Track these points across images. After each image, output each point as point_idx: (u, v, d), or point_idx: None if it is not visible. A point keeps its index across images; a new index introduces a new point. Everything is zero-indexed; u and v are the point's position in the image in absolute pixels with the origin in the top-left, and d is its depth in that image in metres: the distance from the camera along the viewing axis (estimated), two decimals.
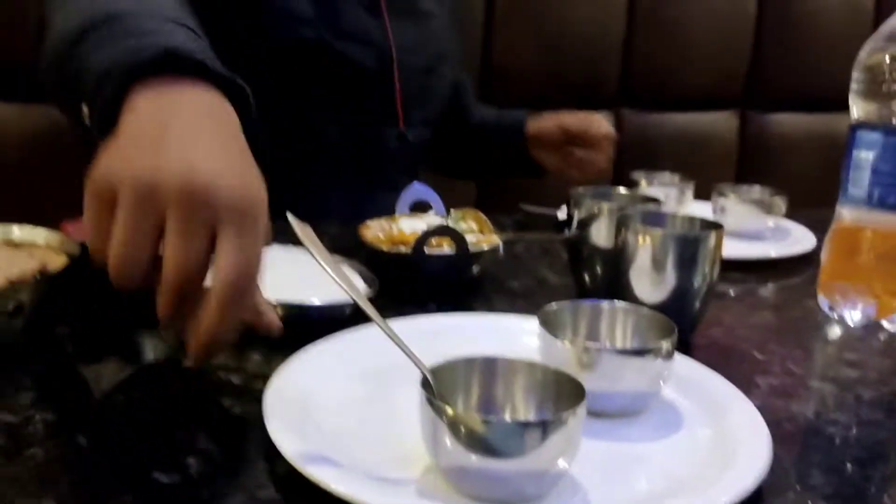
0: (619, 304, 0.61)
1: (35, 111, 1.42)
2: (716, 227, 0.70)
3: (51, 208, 0.85)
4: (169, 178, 0.46)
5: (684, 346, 0.66)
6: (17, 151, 1.42)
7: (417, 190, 0.98)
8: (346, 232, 0.92)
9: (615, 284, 0.71)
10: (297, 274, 0.76)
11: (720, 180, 1.86)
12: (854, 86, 0.74)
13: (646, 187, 1.13)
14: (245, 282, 0.48)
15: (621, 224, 0.70)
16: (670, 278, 0.68)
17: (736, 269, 0.90)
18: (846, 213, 0.76)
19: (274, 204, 0.52)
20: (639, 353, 0.55)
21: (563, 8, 1.72)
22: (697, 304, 0.69)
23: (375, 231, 0.85)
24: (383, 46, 1.14)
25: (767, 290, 0.89)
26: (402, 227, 0.85)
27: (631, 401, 0.55)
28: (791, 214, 1.10)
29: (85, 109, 0.58)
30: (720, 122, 1.90)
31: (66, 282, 0.66)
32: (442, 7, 1.27)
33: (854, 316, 0.76)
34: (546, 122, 1.29)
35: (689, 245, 0.68)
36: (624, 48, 1.78)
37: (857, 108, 0.74)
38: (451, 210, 0.92)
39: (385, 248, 0.82)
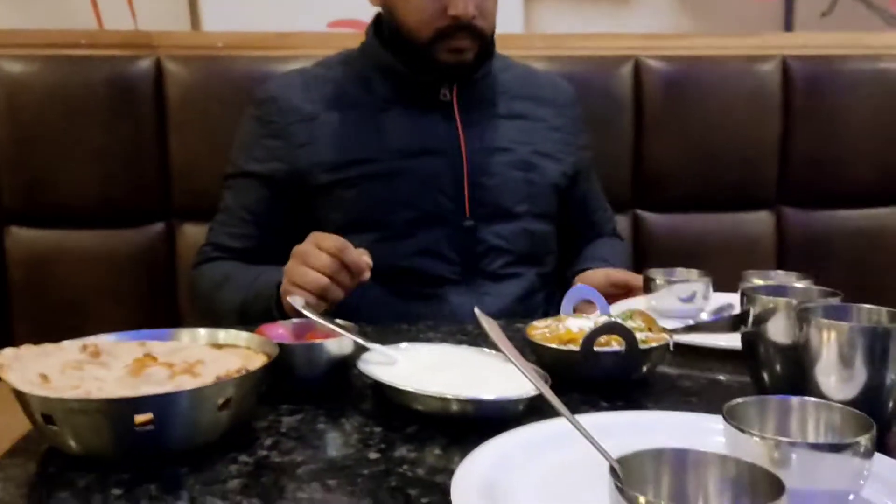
0: (809, 400, 0.59)
1: None
2: None
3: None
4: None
5: (882, 447, 0.62)
6: None
7: (581, 290, 0.99)
8: (509, 334, 0.95)
9: (798, 382, 0.68)
10: (471, 371, 0.79)
11: None
12: None
13: (666, 284, 1.07)
14: None
15: (803, 319, 0.68)
16: (860, 374, 0.65)
17: None
18: None
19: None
20: (836, 448, 0.52)
21: (714, 110, 1.72)
22: (892, 401, 0.65)
23: (542, 331, 0.87)
24: (457, 150, 1.24)
25: None
26: (569, 326, 0.86)
27: (831, 499, 0.52)
28: None
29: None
30: (891, 217, 1.80)
31: (264, 379, 0.71)
32: (558, 115, 1.35)
33: None
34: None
35: (880, 338, 0.65)
36: (780, 147, 1.75)
37: None
38: (620, 309, 0.92)
39: (554, 345, 0.83)
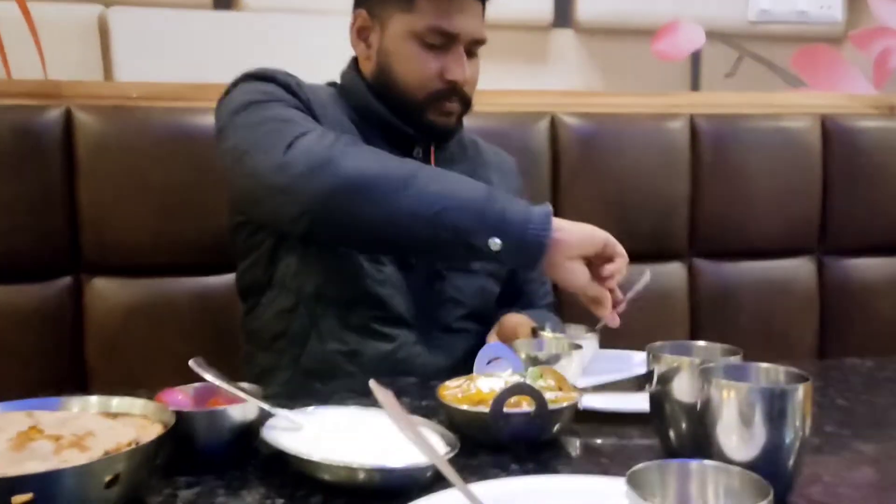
0: (709, 463, 0.59)
1: (134, 284, 1.52)
2: (803, 378, 0.68)
3: (150, 377, 0.89)
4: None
5: None
6: (118, 321, 1.50)
7: (494, 348, 0.99)
8: (426, 392, 0.94)
9: (702, 442, 0.69)
10: (379, 436, 0.77)
11: (805, 326, 1.86)
12: None
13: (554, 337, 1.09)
14: None
15: (704, 378, 0.69)
16: (760, 434, 0.66)
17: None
18: None
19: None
20: None
21: (627, 166, 1.76)
22: (791, 461, 0.67)
23: (453, 391, 0.86)
24: None
25: (864, 442, 0.85)
26: (479, 387, 0.85)
27: None
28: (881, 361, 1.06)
29: (495, 240, 0.99)
30: (796, 269, 1.87)
31: (159, 451, 0.68)
32: (504, 182, 1.36)
33: None
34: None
35: (778, 398, 0.66)
36: (690, 201, 1.80)
37: None
38: (530, 368, 0.92)
39: (464, 407, 0.82)
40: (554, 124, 1.73)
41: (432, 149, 1.28)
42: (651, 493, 0.57)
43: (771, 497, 0.53)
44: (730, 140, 1.81)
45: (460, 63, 1.19)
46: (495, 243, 0.98)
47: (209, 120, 1.36)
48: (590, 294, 1.03)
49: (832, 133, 1.85)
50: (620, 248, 1.04)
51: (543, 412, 0.79)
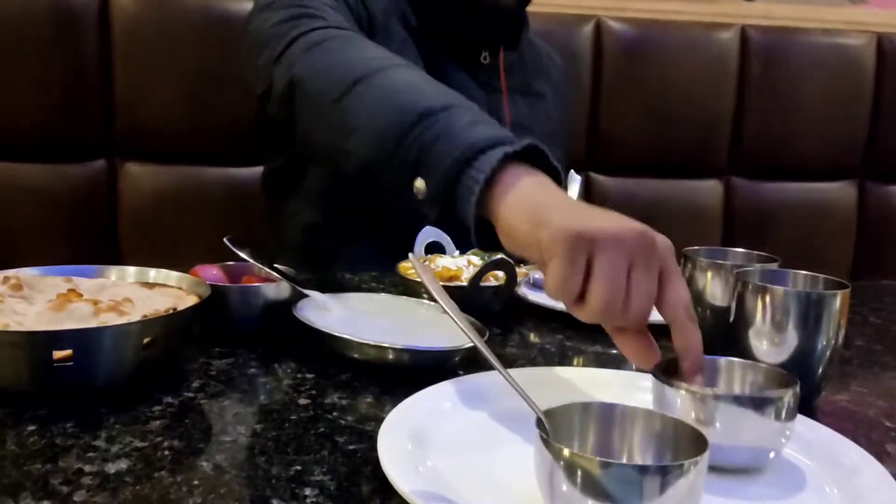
0: (737, 360, 0.59)
1: (166, 171, 1.53)
2: (842, 286, 0.67)
3: (180, 261, 0.89)
4: (629, 232, 0.56)
5: (809, 412, 0.63)
6: (150, 206, 1.52)
7: (430, 232, 1.00)
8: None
9: (733, 345, 0.69)
10: (408, 321, 0.78)
11: (840, 251, 1.83)
12: None
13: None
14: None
15: (740, 282, 0.68)
16: (792, 338, 0.65)
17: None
18: None
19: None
20: (760, 402, 0.53)
21: (671, 76, 1.71)
22: (822, 367, 0.66)
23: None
24: (500, 122, 1.17)
25: (894, 358, 0.85)
26: (445, 265, 0.89)
27: (753, 456, 0.53)
28: None
29: (419, 183, 0.68)
30: (837, 193, 1.84)
31: (194, 321, 0.69)
32: (555, 93, 1.30)
33: None
34: None
35: (814, 304, 0.65)
36: (734, 117, 1.76)
37: None
38: (473, 249, 0.95)
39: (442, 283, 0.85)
40: (599, 28, 1.68)
41: (501, 54, 1.18)
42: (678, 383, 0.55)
43: (797, 389, 0.53)
44: (781, 55, 1.74)
45: None
46: (420, 188, 0.69)
47: (245, 6, 1.34)
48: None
49: (888, 53, 1.78)
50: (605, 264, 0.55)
51: (513, 283, 0.86)
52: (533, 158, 0.66)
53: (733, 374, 0.59)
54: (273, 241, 1.29)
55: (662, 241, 0.57)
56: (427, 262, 0.90)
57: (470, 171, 0.65)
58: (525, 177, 0.64)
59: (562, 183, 0.66)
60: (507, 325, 0.87)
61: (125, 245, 1.53)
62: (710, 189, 1.79)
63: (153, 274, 0.74)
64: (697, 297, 0.76)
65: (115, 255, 1.51)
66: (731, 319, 0.69)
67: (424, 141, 0.69)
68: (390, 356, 0.69)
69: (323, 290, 0.80)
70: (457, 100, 0.74)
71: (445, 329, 0.69)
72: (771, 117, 1.76)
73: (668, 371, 0.56)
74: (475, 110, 0.73)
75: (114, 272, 0.75)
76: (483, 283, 0.86)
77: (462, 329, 0.60)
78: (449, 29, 1.14)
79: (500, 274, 0.88)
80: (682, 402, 0.53)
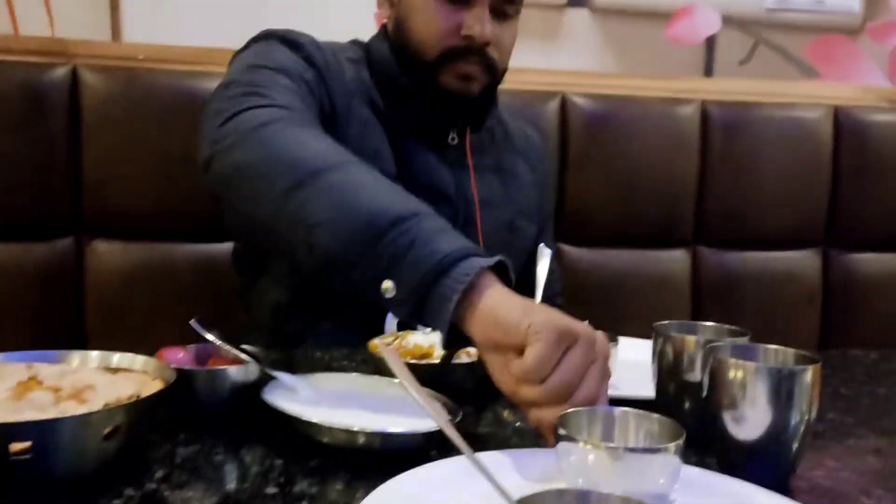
0: (632, 411, 0.63)
1: (134, 248, 1.51)
2: (812, 360, 0.68)
3: (148, 341, 0.87)
4: (599, 338, 0.68)
5: (786, 491, 0.63)
6: (118, 284, 1.50)
7: None
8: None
9: (707, 421, 0.68)
10: (379, 402, 0.76)
11: (808, 319, 1.85)
12: None
13: None
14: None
15: (711, 357, 0.68)
16: (765, 415, 0.65)
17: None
18: None
19: None
20: (649, 451, 0.57)
21: (636, 150, 1.75)
22: (796, 444, 0.66)
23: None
24: (468, 199, 1.18)
25: (867, 431, 0.85)
26: (417, 342, 0.89)
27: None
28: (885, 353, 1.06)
29: (388, 284, 0.72)
30: (802, 261, 1.86)
31: (159, 407, 0.67)
32: (531, 170, 1.32)
33: None
34: None
35: (786, 379, 0.65)
36: (698, 188, 1.79)
37: None
38: None
39: (413, 361, 0.85)
40: (565, 104, 1.72)
41: (468, 134, 1.19)
42: (580, 433, 0.61)
43: (682, 439, 0.57)
44: (741, 128, 1.79)
45: (480, 19, 1.08)
46: (388, 288, 0.72)
47: (215, 84, 1.35)
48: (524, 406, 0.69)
49: (844, 125, 1.83)
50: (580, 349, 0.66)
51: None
52: (498, 270, 0.73)
53: (628, 424, 0.63)
54: (245, 319, 1.27)
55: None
56: (398, 341, 0.89)
57: (446, 280, 0.70)
58: (497, 284, 0.71)
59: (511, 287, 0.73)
60: (482, 403, 0.85)
61: (91, 326, 1.50)
62: (677, 259, 1.81)
63: (117, 358, 0.73)
64: (671, 372, 0.77)
65: (81, 335, 1.48)
66: (704, 395, 0.69)
67: (399, 246, 0.72)
68: (361, 440, 0.67)
69: (293, 370, 0.78)
70: (420, 205, 0.78)
71: (418, 410, 0.68)
72: (734, 188, 1.80)
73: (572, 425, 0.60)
74: (438, 217, 0.77)
75: (76, 357, 0.73)
76: (456, 361, 0.85)
77: (430, 415, 0.59)
78: (415, 112, 1.16)
79: (473, 350, 0.87)
80: (576, 456, 0.57)
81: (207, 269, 1.54)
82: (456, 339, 0.71)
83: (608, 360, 0.69)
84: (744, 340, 0.76)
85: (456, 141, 1.19)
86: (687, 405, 0.75)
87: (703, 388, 0.69)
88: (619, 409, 0.63)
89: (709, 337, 0.77)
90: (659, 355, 0.78)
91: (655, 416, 0.62)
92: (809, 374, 0.65)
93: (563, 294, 1.40)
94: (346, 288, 0.78)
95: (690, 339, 0.76)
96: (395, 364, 0.67)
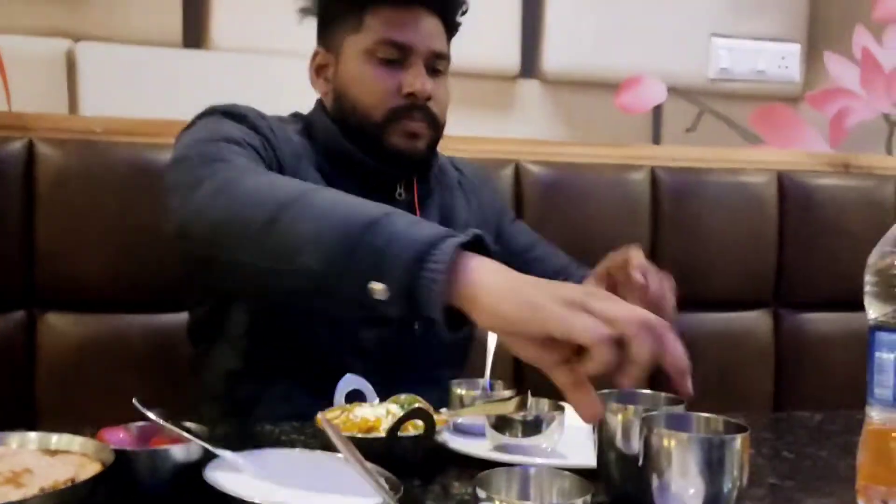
0: (547, 468, 0.68)
1: (87, 320, 1.50)
2: (742, 429, 0.69)
3: (102, 414, 0.86)
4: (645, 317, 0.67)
5: None
6: (70, 356, 1.48)
7: (351, 380, 1.01)
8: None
9: (645, 489, 0.70)
10: (322, 478, 0.77)
11: (761, 380, 1.89)
12: (868, 288, 0.76)
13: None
14: None
15: (645, 427, 0.70)
16: (698, 483, 0.67)
17: None
18: (875, 415, 0.75)
19: None
20: None
21: (589, 215, 1.78)
22: None
23: (336, 422, 0.88)
24: None
25: (806, 496, 0.86)
26: (364, 415, 0.88)
27: None
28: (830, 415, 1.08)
29: (377, 286, 0.72)
30: (753, 322, 1.90)
31: (97, 490, 0.67)
32: (475, 207, 1.35)
33: None
34: None
35: (716, 448, 0.67)
36: (650, 251, 1.83)
37: (873, 310, 0.75)
38: (393, 397, 0.98)
39: (360, 434, 0.86)
40: (518, 172, 1.76)
41: (415, 186, 1.22)
42: (497, 491, 0.65)
43: (590, 495, 0.62)
44: (689, 193, 1.85)
45: (419, 76, 1.13)
46: (379, 289, 0.72)
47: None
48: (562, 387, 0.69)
49: (789, 189, 1.90)
50: (595, 339, 0.64)
51: (432, 432, 0.85)
52: (479, 249, 0.73)
53: (542, 481, 0.67)
54: (197, 389, 1.27)
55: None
56: (345, 413, 0.89)
57: (428, 265, 0.71)
58: (482, 262, 0.72)
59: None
60: (428, 476, 0.86)
61: (42, 398, 1.47)
62: None
63: (55, 440, 0.72)
64: (609, 442, 0.78)
65: (31, 410, 1.46)
66: (640, 463, 0.70)
67: (377, 246, 0.74)
68: None
69: (241, 445, 0.78)
70: (388, 207, 0.80)
71: (362, 486, 0.68)
72: (685, 251, 1.84)
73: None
74: (409, 214, 0.80)
75: (14, 439, 0.72)
76: (402, 434, 0.85)
77: (373, 486, 0.59)
78: (361, 174, 1.18)
79: (419, 422, 0.88)
80: None
81: (161, 340, 1.53)
82: (459, 322, 0.72)
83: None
84: (680, 408, 0.78)
85: (403, 195, 1.21)
86: (625, 472, 0.76)
87: (639, 457, 0.71)
88: (534, 468, 0.67)
89: (647, 406, 0.79)
90: (599, 425, 0.79)
91: (567, 473, 0.66)
92: (738, 442, 0.67)
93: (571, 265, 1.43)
94: (342, 307, 0.82)
95: (630, 409, 0.77)
96: (336, 438, 0.67)
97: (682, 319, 1.81)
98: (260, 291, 1.01)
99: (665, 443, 0.68)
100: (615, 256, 1.12)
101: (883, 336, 0.74)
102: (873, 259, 0.76)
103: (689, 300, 1.83)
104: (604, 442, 0.79)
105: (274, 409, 1.09)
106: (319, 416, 0.78)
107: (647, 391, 0.85)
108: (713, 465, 0.67)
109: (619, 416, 0.77)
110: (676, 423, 0.73)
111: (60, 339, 1.50)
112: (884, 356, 0.73)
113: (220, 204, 0.89)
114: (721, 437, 0.70)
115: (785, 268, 1.90)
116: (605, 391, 0.82)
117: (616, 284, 1.09)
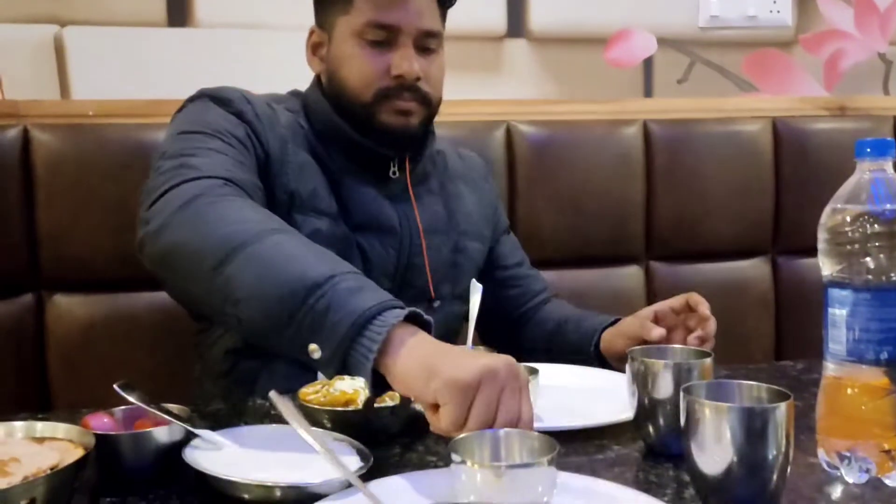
0: (514, 431, 0.71)
1: (94, 300, 1.54)
2: (785, 396, 0.70)
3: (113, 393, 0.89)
4: (502, 365, 0.74)
5: None
6: (79, 337, 1.53)
7: None
8: None
9: (686, 454, 0.71)
10: (300, 452, 0.80)
11: (762, 327, 1.89)
12: (820, 245, 0.77)
13: None
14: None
15: (685, 399, 0.71)
16: (740, 452, 0.67)
17: None
18: (831, 368, 0.76)
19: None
20: (526, 466, 0.66)
21: (582, 172, 1.79)
22: (775, 478, 0.68)
23: (317, 396, 0.92)
24: (412, 229, 1.23)
25: None
26: (342, 388, 0.91)
27: None
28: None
29: (313, 346, 0.79)
30: (752, 270, 1.91)
31: (80, 474, 0.71)
32: (474, 189, 1.37)
33: (853, 472, 0.75)
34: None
35: (759, 417, 0.67)
36: (646, 205, 1.83)
37: (826, 267, 0.76)
38: None
39: (340, 408, 0.89)
40: (509, 133, 1.76)
41: (408, 165, 1.24)
42: (470, 454, 0.68)
43: (555, 452, 0.65)
44: (683, 145, 1.84)
45: (407, 57, 1.14)
46: (315, 350, 0.79)
47: (162, 135, 1.39)
48: None
49: (784, 135, 1.88)
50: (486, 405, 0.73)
51: (409, 401, 0.87)
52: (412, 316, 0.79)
53: (512, 443, 0.70)
54: (200, 367, 1.31)
55: (521, 369, 0.76)
56: (325, 388, 0.92)
57: (363, 339, 0.77)
58: (409, 337, 0.77)
59: (431, 332, 0.80)
60: (408, 444, 0.89)
61: (55, 379, 1.53)
62: (630, 275, 1.85)
63: (40, 427, 0.76)
64: (649, 396, 0.84)
65: (45, 391, 1.51)
66: (682, 433, 0.71)
67: (317, 312, 0.79)
68: (277, 494, 0.71)
69: (230, 422, 0.82)
70: (337, 266, 0.84)
71: (339, 458, 0.72)
72: (681, 203, 1.84)
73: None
74: (355, 274, 0.83)
75: (2, 428, 0.76)
76: (378, 405, 0.88)
77: (334, 463, 0.62)
78: (354, 151, 1.20)
79: (396, 393, 0.90)
80: (466, 476, 0.65)
81: (167, 316, 1.56)
82: (385, 385, 0.78)
83: (518, 378, 0.74)
84: (709, 361, 0.84)
85: (397, 174, 1.23)
86: (662, 421, 0.83)
87: (678, 417, 0.72)
88: (503, 431, 0.71)
89: (677, 359, 0.85)
90: (642, 377, 0.84)
91: (535, 434, 0.70)
92: (783, 410, 0.67)
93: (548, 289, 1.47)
94: (278, 351, 0.88)
95: (660, 364, 0.83)
96: (288, 412, 0.71)
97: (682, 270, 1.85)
98: (210, 317, 1.06)
99: (707, 413, 0.68)
100: (678, 297, 1.17)
101: (835, 292, 0.75)
102: (824, 218, 0.77)
103: (687, 252, 1.86)
104: (642, 395, 0.84)
105: (274, 387, 1.11)
106: (272, 395, 0.80)
107: (677, 346, 0.93)
108: (755, 435, 0.66)
109: (657, 371, 0.82)
110: (716, 394, 0.73)
111: (69, 320, 1.54)
112: (836, 312, 0.75)
113: (177, 227, 0.91)
114: (765, 406, 0.69)
115: (782, 215, 1.89)
116: (638, 347, 0.90)
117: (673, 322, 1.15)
